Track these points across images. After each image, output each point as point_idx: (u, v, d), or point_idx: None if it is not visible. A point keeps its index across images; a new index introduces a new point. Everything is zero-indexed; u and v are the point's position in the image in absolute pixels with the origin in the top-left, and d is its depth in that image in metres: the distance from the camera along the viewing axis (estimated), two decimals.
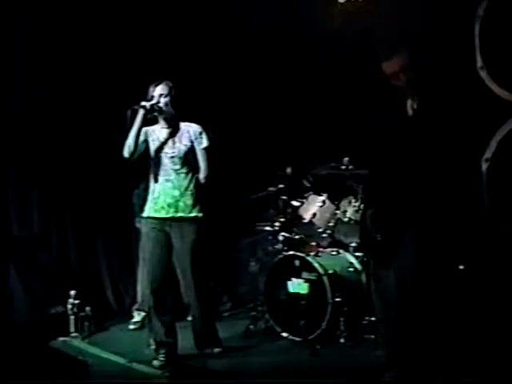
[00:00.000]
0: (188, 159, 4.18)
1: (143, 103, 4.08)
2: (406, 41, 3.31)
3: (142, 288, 5.32)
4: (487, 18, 3.36)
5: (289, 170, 5.08)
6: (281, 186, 5.07)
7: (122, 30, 5.51)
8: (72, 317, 4.91)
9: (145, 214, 4.24)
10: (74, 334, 4.89)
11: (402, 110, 3.33)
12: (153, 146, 4.21)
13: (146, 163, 5.11)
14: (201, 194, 4.21)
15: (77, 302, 4.93)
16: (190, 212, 4.17)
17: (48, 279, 5.05)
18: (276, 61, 5.71)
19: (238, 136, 4.51)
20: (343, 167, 4.84)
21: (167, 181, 4.17)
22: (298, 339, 4.53)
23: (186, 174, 4.18)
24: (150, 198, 4.22)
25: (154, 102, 4.12)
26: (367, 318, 4.40)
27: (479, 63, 3.39)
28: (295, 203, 5.09)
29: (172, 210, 4.15)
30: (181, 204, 4.15)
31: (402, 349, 3.27)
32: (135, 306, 5.33)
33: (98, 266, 5.72)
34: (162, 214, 4.17)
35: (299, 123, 5.70)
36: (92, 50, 5.47)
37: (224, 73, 5.75)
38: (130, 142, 4.08)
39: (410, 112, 3.31)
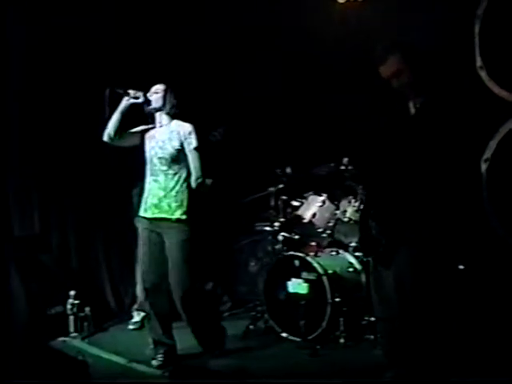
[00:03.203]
0: (177, 160, 4.08)
1: (129, 90, 4.07)
2: (399, 45, 3.27)
3: (140, 288, 5.33)
4: (487, 17, 3.36)
5: (288, 170, 5.08)
6: (280, 185, 5.07)
7: (123, 32, 5.50)
8: (71, 317, 4.91)
9: (139, 213, 4.22)
10: (73, 334, 4.89)
11: (405, 109, 3.33)
12: (147, 145, 4.18)
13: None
14: (189, 195, 4.09)
15: (76, 302, 4.92)
16: (172, 213, 4.06)
17: (48, 279, 5.05)
18: (276, 60, 5.71)
19: (238, 136, 4.51)
20: (343, 167, 4.84)
21: (155, 181, 4.12)
22: (297, 339, 4.53)
23: (174, 174, 4.08)
24: (143, 197, 4.20)
25: (141, 92, 4.09)
26: (367, 318, 4.40)
27: (479, 63, 3.39)
28: (295, 203, 5.09)
29: (156, 210, 4.10)
30: (164, 205, 4.07)
31: (402, 349, 3.27)
32: (135, 306, 5.33)
33: (98, 266, 5.71)
34: (149, 214, 4.13)
35: (299, 123, 5.69)
36: (95, 52, 5.46)
37: (223, 73, 5.75)
38: (109, 126, 4.08)
39: (412, 111, 3.32)
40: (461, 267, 3.73)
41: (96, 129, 5.48)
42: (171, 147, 4.09)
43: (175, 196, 4.07)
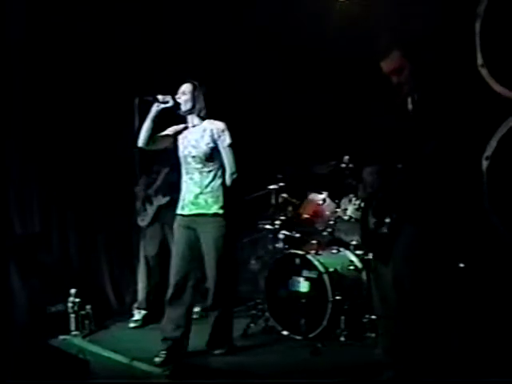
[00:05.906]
0: (211, 158, 4.16)
1: (158, 96, 4.11)
2: (400, 42, 3.28)
3: (141, 286, 5.34)
4: (488, 16, 3.36)
5: (289, 169, 5.08)
6: (281, 184, 5.07)
7: (133, 29, 5.48)
8: (72, 315, 4.91)
9: (177, 212, 4.28)
10: (74, 333, 4.89)
11: (403, 106, 3.33)
12: (180, 145, 4.26)
13: (153, 159, 5.14)
14: (224, 191, 4.18)
15: (77, 300, 4.93)
16: (209, 209, 4.14)
17: (48, 278, 5.05)
18: (276, 60, 5.70)
19: (238, 135, 4.50)
20: (343, 165, 4.83)
21: (191, 179, 4.20)
22: (298, 337, 4.54)
23: (209, 172, 4.16)
24: (180, 196, 4.27)
25: (169, 96, 4.13)
26: (368, 316, 4.41)
27: (480, 61, 3.38)
28: (296, 201, 5.09)
29: (194, 207, 4.18)
30: (201, 201, 4.16)
31: (401, 347, 3.27)
32: (135, 305, 5.34)
33: (99, 265, 5.72)
34: (186, 211, 4.21)
35: (300, 122, 5.69)
36: (100, 49, 5.44)
37: (223, 73, 5.74)
38: (142, 134, 4.13)
39: (412, 109, 3.31)
40: (461, 265, 3.73)
41: (97, 128, 5.54)
42: (205, 145, 4.16)
43: (211, 192, 4.16)
